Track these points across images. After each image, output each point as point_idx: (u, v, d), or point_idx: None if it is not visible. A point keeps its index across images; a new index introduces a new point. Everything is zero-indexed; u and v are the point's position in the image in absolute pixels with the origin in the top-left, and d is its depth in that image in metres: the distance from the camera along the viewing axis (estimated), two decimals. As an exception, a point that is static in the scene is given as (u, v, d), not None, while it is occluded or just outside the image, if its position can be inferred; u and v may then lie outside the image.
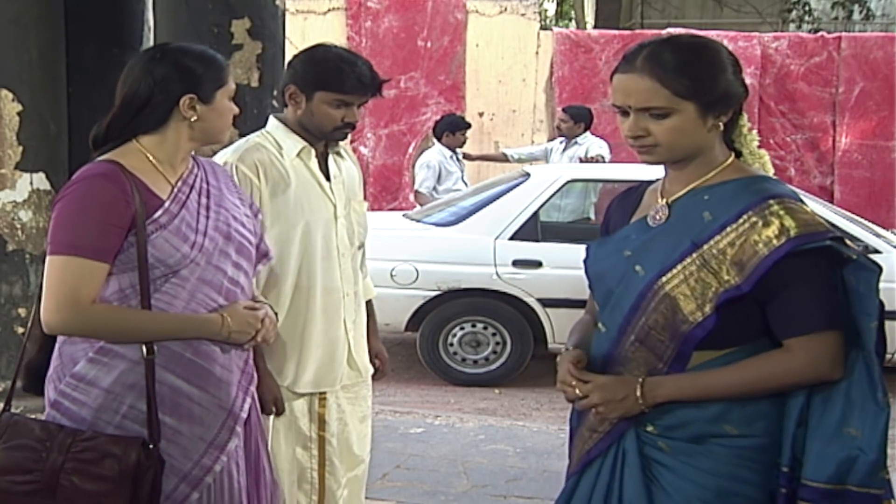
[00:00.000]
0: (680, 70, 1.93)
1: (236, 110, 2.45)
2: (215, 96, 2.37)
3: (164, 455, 2.29)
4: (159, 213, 2.29)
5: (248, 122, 3.55)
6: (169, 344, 2.29)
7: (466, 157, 8.90)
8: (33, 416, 2.35)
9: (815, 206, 6.67)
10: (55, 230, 2.27)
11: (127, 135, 2.36)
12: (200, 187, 2.41)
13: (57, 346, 2.36)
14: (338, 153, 2.93)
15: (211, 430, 2.34)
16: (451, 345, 6.66)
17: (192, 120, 2.36)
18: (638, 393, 1.95)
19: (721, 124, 1.99)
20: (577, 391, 2.00)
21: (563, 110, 9.04)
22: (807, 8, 17.87)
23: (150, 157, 2.35)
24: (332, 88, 2.74)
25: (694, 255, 1.93)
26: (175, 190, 2.35)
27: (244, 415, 2.41)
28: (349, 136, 2.94)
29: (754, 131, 2.10)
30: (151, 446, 2.27)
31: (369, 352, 3.07)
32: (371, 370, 3.07)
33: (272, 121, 2.89)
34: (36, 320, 2.38)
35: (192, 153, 2.47)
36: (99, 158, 2.35)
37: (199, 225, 2.35)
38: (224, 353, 2.36)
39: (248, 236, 2.47)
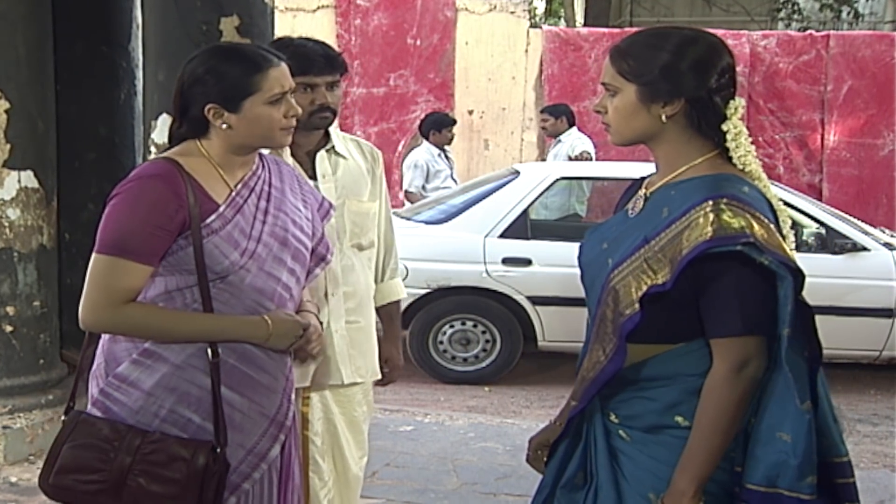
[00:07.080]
0: (627, 52, 1.99)
1: (294, 111, 2.31)
2: (242, 105, 2.24)
3: None
4: (212, 217, 2.23)
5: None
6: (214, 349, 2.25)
7: None
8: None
9: (804, 203, 6.67)
10: (104, 228, 2.23)
11: (185, 136, 2.31)
12: (262, 190, 2.33)
13: (101, 342, 2.32)
14: (334, 151, 2.84)
15: (251, 437, 2.30)
16: (441, 343, 6.66)
17: (224, 128, 2.26)
18: None
19: (665, 116, 1.95)
20: None
21: (541, 112, 9.06)
22: (795, 7, 17.90)
23: (211, 159, 2.29)
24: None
25: (642, 249, 1.94)
26: (233, 194, 2.28)
27: (288, 423, 2.36)
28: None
29: (747, 139, 1.99)
30: (218, 450, 2.23)
31: (380, 356, 3.00)
32: (375, 375, 2.98)
33: None
34: None
35: (263, 152, 2.40)
36: (161, 155, 2.31)
37: (254, 231, 2.28)
38: (272, 361, 2.31)
39: (305, 241, 2.39)
